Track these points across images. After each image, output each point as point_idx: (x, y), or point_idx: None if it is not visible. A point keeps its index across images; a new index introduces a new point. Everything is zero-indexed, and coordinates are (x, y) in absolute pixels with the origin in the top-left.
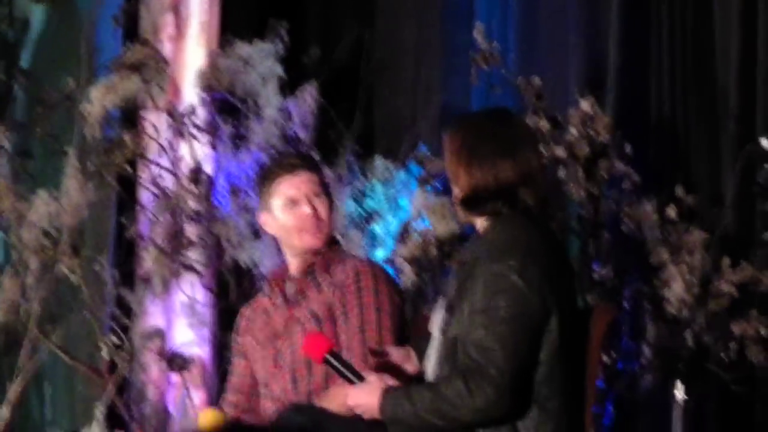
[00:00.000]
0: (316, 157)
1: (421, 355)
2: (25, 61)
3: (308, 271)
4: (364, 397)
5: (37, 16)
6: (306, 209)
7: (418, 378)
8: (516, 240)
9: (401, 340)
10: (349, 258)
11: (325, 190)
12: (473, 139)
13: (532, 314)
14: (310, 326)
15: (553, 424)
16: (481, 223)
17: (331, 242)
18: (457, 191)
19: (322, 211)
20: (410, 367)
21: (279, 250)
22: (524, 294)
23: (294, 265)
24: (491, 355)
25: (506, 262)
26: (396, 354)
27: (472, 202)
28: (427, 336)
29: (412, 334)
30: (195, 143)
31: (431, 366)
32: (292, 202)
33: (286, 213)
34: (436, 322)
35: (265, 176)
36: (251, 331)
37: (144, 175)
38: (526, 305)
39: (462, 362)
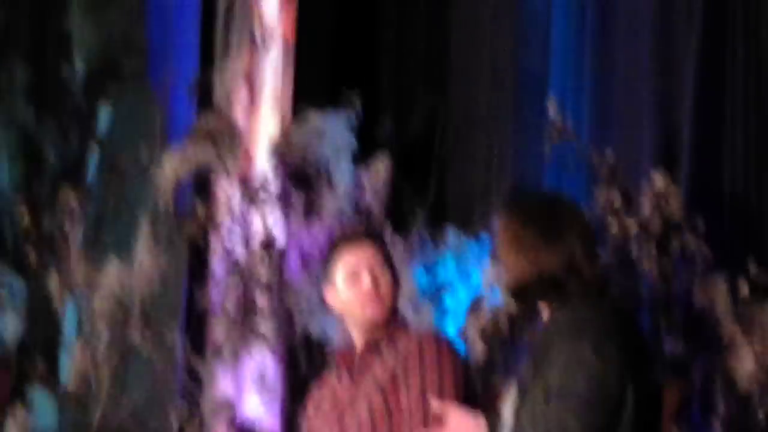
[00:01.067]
0: (388, 228)
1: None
2: (99, 129)
3: (373, 346)
4: None
5: (110, 84)
6: (366, 281)
7: None
8: (589, 320)
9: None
10: (413, 331)
11: (389, 262)
12: (519, 228)
13: (610, 392)
14: (376, 399)
15: None
16: (545, 307)
17: (395, 316)
18: (504, 279)
19: (384, 283)
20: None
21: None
22: (601, 371)
23: (359, 339)
24: None
25: (582, 342)
26: (464, 418)
27: (518, 292)
28: (496, 413)
29: (482, 410)
30: (267, 213)
31: None
32: (354, 275)
33: (348, 286)
34: (508, 402)
35: (330, 250)
36: (319, 413)
37: (216, 244)
38: (604, 383)
39: None
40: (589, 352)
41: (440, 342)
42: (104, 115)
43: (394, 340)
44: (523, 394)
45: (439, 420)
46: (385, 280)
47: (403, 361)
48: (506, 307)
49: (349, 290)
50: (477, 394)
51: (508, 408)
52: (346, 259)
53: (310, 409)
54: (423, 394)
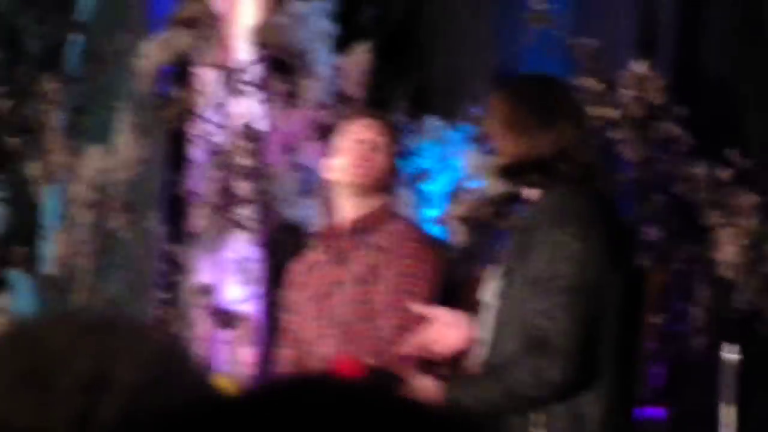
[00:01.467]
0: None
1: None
2: (78, 14)
3: (357, 227)
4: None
5: None
6: (366, 148)
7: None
8: (574, 207)
9: (445, 306)
10: (397, 220)
11: (394, 151)
12: (512, 109)
13: (594, 278)
14: (354, 289)
15: (610, 388)
16: (528, 191)
17: (388, 202)
18: (495, 158)
19: (381, 157)
20: (458, 332)
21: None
22: (586, 261)
23: (345, 212)
24: (559, 325)
25: (567, 229)
26: (444, 317)
27: (509, 172)
28: (477, 299)
29: (463, 298)
30: (247, 100)
31: (486, 331)
32: (358, 143)
33: (347, 151)
34: (489, 288)
35: (345, 117)
36: (300, 287)
37: (196, 131)
38: (589, 271)
39: (529, 334)
40: (572, 239)
41: (421, 236)
42: (84, 3)
43: (380, 226)
44: (506, 277)
45: (421, 321)
46: (383, 156)
47: (383, 254)
48: (488, 192)
49: (347, 155)
50: (458, 286)
51: (489, 291)
52: (355, 128)
53: (291, 280)
54: (397, 288)
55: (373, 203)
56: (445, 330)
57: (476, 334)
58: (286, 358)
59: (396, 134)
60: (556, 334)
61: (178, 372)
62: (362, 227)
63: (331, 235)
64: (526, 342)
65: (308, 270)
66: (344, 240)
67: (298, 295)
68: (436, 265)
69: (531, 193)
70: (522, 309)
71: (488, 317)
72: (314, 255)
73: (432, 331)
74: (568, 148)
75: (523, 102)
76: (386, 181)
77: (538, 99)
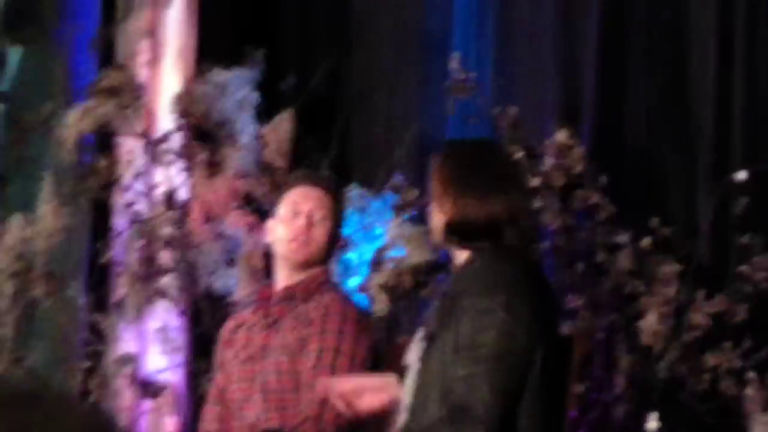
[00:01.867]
0: None
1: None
2: (2, 84)
3: (289, 295)
4: None
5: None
6: (301, 220)
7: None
8: (502, 274)
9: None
10: (327, 292)
11: (334, 216)
12: (466, 171)
13: (520, 350)
14: (282, 358)
15: None
16: (460, 253)
17: (321, 272)
18: (440, 218)
19: (318, 232)
20: (384, 395)
21: (260, 274)
22: (512, 330)
23: (280, 280)
24: (478, 394)
25: (493, 297)
26: (371, 383)
27: (457, 232)
28: (402, 366)
29: (387, 363)
30: (170, 169)
31: (407, 396)
32: (296, 212)
33: (286, 221)
34: (414, 352)
35: (287, 181)
36: (233, 346)
37: (119, 200)
38: (514, 342)
39: (449, 400)
40: (499, 308)
41: (347, 310)
42: (7, 72)
43: (311, 296)
44: (429, 340)
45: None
46: (321, 227)
47: (311, 326)
48: (409, 260)
49: (285, 225)
50: (380, 355)
51: (414, 354)
52: (294, 194)
53: (225, 338)
54: (319, 364)
55: (307, 273)
56: (372, 393)
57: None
58: (211, 414)
59: (338, 199)
60: (476, 402)
61: None
62: (293, 295)
63: (264, 297)
64: (446, 409)
65: (238, 328)
66: (276, 306)
67: (227, 353)
68: (362, 340)
69: (459, 256)
70: (443, 374)
71: (410, 381)
72: (247, 315)
73: (357, 391)
74: (516, 213)
75: (476, 165)
76: (323, 253)
77: (491, 163)
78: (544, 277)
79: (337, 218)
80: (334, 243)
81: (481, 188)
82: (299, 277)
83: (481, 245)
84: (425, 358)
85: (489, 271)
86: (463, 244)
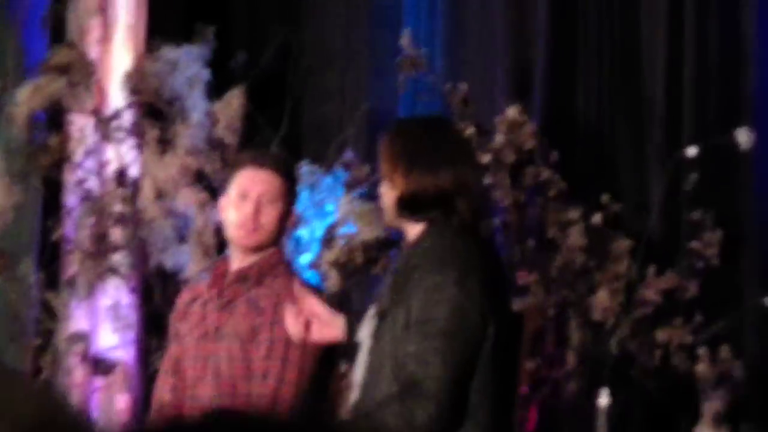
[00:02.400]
0: None
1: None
2: None
3: (242, 277)
4: None
5: None
6: (248, 207)
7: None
8: (454, 250)
9: (322, 363)
10: (281, 276)
11: (284, 197)
12: (415, 146)
13: (471, 326)
14: (234, 346)
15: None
16: (412, 229)
17: (276, 253)
18: (391, 195)
19: (267, 216)
20: (334, 332)
21: (211, 251)
22: (463, 305)
23: (234, 259)
24: (430, 369)
25: (445, 273)
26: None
27: (409, 206)
28: (353, 343)
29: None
30: (121, 147)
31: (359, 373)
32: (244, 196)
33: (234, 204)
34: (366, 329)
35: (235, 162)
36: (187, 320)
37: (70, 178)
38: (465, 317)
39: (400, 376)
40: (452, 284)
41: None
42: None
43: (263, 279)
44: (382, 316)
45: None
46: (271, 211)
47: (261, 315)
48: (360, 237)
49: (233, 209)
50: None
51: (365, 330)
52: (243, 176)
53: (180, 310)
54: (270, 355)
55: (259, 254)
56: (322, 325)
57: (352, 374)
58: (166, 385)
59: (289, 177)
60: (427, 378)
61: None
62: (246, 278)
63: (220, 273)
64: (398, 385)
65: (192, 302)
66: (230, 287)
67: (182, 326)
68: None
69: (410, 233)
70: (395, 351)
71: (362, 358)
72: (202, 287)
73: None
74: (467, 185)
75: (424, 140)
76: (274, 236)
77: (439, 139)
78: (495, 252)
79: (287, 198)
80: (285, 223)
81: (430, 162)
82: (252, 258)
83: (433, 218)
84: (377, 335)
85: (441, 247)
86: (414, 217)
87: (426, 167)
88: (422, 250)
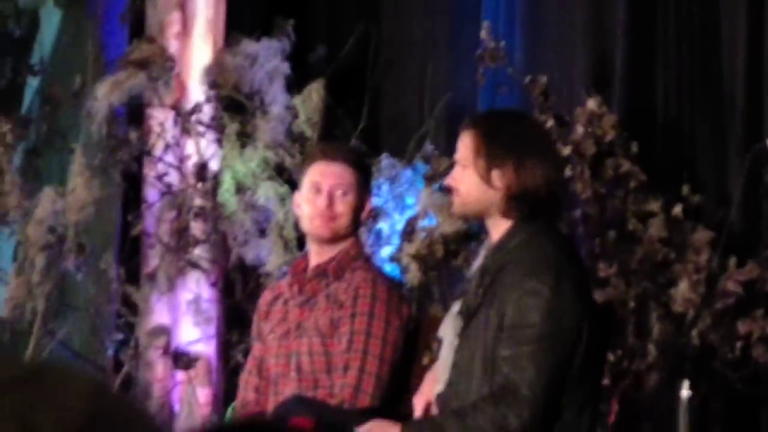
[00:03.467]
0: None
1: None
2: (33, 57)
3: (321, 272)
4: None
5: (45, 12)
6: (321, 199)
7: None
8: (546, 253)
9: (403, 355)
10: (360, 269)
11: (358, 187)
12: (512, 141)
13: (566, 331)
14: (315, 341)
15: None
16: (497, 225)
17: (354, 245)
18: (484, 190)
19: (340, 207)
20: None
21: (291, 245)
22: (558, 311)
23: (312, 255)
24: (525, 374)
25: (540, 277)
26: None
27: (521, 203)
28: (436, 337)
29: (419, 334)
30: (201, 141)
31: (443, 369)
32: (316, 190)
33: (308, 197)
34: (450, 325)
35: (307, 156)
36: (270, 319)
37: (150, 172)
38: (560, 323)
39: (494, 380)
40: (547, 290)
41: (377, 290)
42: (37, 44)
43: (341, 273)
44: (469, 314)
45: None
46: (345, 202)
47: (341, 309)
48: (441, 230)
49: (308, 202)
50: (417, 330)
51: (449, 326)
52: (314, 170)
53: (263, 310)
54: (350, 347)
55: (337, 247)
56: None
57: (435, 370)
58: (250, 384)
59: (361, 168)
60: (522, 383)
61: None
62: (325, 272)
63: (300, 270)
64: (492, 388)
65: (275, 301)
66: (309, 283)
67: (265, 326)
68: (393, 320)
69: (495, 229)
70: (486, 352)
71: (447, 354)
72: (284, 286)
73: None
74: (554, 181)
75: (521, 135)
76: (349, 227)
77: (527, 133)
78: (576, 249)
79: (360, 189)
80: (359, 214)
81: (536, 157)
82: (330, 252)
83: (542, 213)
84: (465, 335)
85: (533, 249)
86: (526, 214)
87: (533, 162)
88: (510, 250)
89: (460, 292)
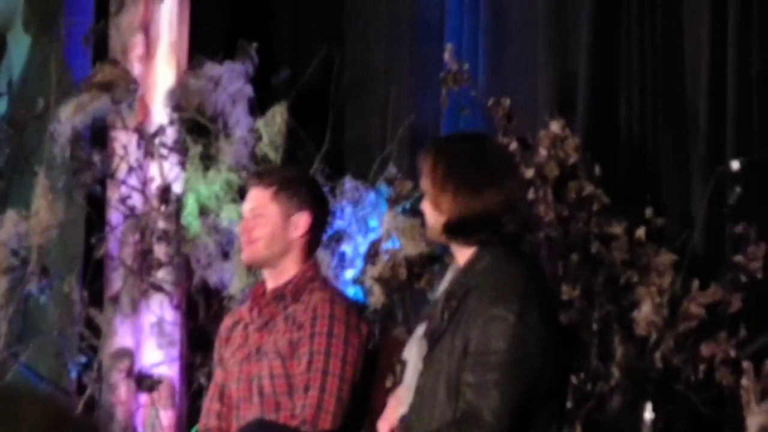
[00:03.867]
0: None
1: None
2: (0, 81)
3: (279, 295)
4: None
5: (12, 36)
6: (242, 225)
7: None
8: (512, 278)
9: (362, 375)
10: (317, 290)
11: (273, 208)
12: (459, 167)
13: (531, 358)
14: (276, 363)
15: None
16: (461, 250)
17: (309, 267)
18: (435, 216)
19: (256, 230)
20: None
21: (248, 270)
22: (523, 338)
23: (267, 279)
24: (489, 401)
25: (505, 304)
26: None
27: (458, 230)
28: (397, 360)
29: (382, 356)
30: (164, 163)
31: (406, 392)
32: (243, 217)
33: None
34: (414, 348)
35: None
36: (230, 344)
37: (113, 195)
38: (526, 350)
39: (458, 405)
40: (512, 317)
41: (335, 311)
42: (6, 69)
43: (299, 296)
44: (433, 339)
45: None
46: (258, 225)
47: (300, 330)
48: (404, 252)
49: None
50: (377, 350)
51: (414, 351)
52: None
53: (223, 336)
54: (310, 367)
55: (288, 271)
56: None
57: (397, 393)
58: (212, 411)
59: (283, 188)
60: (485, 410)
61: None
62: (283, 296)
63: (259, 294)
64: (455, 414)
65: (235, 326)
66: (268, 306)
67: (225, 351)
68: (352, 340)
69: (459, 254)
70: (450, 377)
71: (411, 377)
72: (244, 311)
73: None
74: (515, 205)
75: (468, 159)
76: (272, 248)
77: (482, 156)
78: (541, 270)
79: (277, 207)
80: (286, 233)
81: (476, 183)
82: (280, 275)
83: (482, 240)
84: (429, 358)
85: (499, 274)
86: (463, 240)
87: (472, 189)
88: (476, 274)
89: (425, 314)
